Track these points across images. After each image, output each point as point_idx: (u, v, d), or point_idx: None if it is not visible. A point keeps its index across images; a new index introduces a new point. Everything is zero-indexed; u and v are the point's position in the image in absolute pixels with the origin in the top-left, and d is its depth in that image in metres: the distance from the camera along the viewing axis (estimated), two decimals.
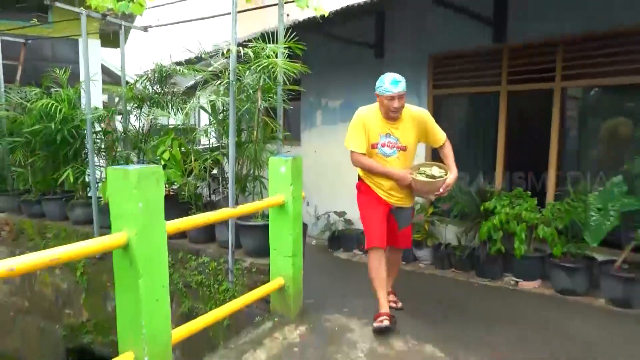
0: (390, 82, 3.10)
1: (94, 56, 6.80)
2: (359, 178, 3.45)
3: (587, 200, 3.98)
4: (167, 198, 2.24)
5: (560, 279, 4.17)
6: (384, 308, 3.16)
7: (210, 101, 3.66)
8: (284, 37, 3.66)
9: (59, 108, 4.47)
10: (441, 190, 3.16)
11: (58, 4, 4.07)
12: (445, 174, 3.21)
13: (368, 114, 3.25)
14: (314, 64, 4.72)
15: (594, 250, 4.15)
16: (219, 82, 3.77)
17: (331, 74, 6.37)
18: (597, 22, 4.18)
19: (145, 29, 4.90)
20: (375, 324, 3.08)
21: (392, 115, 3.17)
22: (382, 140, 3.23)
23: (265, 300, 3.24)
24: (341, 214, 6.11)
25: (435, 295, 4.09)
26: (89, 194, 4.83)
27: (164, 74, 4.39)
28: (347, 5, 4.67)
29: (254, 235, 3.51)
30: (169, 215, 2.10)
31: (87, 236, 4.49)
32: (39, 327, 5.15)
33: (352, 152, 3.27)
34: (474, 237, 4.80)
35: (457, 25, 4.94)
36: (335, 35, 5.72)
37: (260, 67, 3.31)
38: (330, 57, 6.30)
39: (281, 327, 3.08)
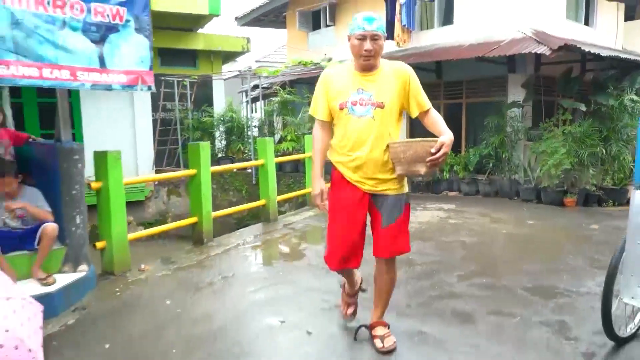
0: (364, 18, 2.49)
1: (221, 88, 12.47)
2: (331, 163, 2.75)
3: (470, 152, 9.50)
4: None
5: (464, 188, 9.66)
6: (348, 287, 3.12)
7: None
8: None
9: (233, 116, 10.08)
10: (433, 151, 2.40)
11: (225, 75, 9.67)
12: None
13: (336, 70, 2.70)
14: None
15: (476, 175, 9.63)
16: None
17: None
18: (477, 73, 9.67)
19: (260, 78, 10.49)
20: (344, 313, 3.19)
21: (364, 62, 2.51)
22: (352, 98, 2.56)
23: None
24: None
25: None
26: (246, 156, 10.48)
27: (286, 101, 10.04)
28: None
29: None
30: None
31: (248, 176, 10.15)
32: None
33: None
34: None
35: (419, 73, 10.46)
36: None
37: None
38: None
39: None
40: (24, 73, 3.22)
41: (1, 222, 3.86)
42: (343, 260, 2.71)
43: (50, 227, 3.79)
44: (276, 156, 9.69)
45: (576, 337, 3.05)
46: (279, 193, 9.24)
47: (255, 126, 11.32)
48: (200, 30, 11.78)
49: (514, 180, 9.00)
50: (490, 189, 9.26)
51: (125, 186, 4.54)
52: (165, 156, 11.45)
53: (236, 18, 15.10)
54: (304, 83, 12.11)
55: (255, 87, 12.45)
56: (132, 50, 3.72)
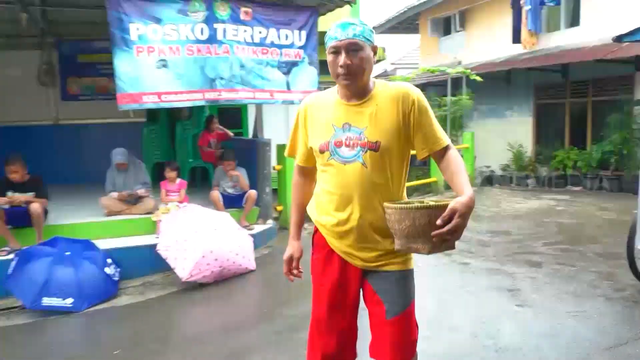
0: (337, 25, 1.79)
1: None
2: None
3: (592, 149, 10.08)
4: None
5: (587, 183, 10.26)
6: None
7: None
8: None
9: None
10: (439, 222, 1.61)
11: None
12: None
13: (320, 99, 1.95)
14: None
15: (600, 171, 10.14)
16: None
17: (485, 97, 12.93)
18: (603, 72, 10.19)
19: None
20: None
21: (342, 83, 1.78)
22: (337, 137, 1.84)
23: None
24: None
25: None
26: None
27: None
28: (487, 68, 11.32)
29: None
30: None
31: None
32: None
33: None
34: (548, 169, 11.08)
35: (544, 74, 11.21)
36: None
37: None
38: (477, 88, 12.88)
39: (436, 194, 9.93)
40: (245, 96, 5.36)
41: (222, 189, 6.11)
42: (330, 356, 1.96)
43: (254, 193, 5.95)
44: None
45: (616, 280, 4.24)
46: (409, 181, 10.79)
47: None
48: None
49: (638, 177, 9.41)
50: (614, 184, 9.77)
51: None
52: None
53: (373, 28, 16.91)
54: (435, 85, 13.49)
55: None
56: (306, 77, 5.69)
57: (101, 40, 7.78)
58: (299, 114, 1.98)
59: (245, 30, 5.28)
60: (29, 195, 4.93)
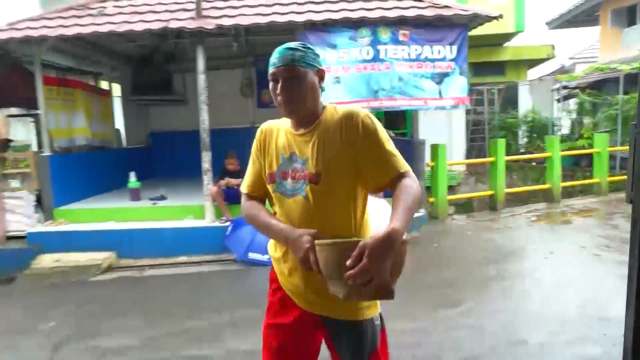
0: (277, 50, 1.70)
1: (526, 92, 14.39)
2: None
3: None
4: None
5: None
6: None
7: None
8: None
9: (535, 117, 12.09)
10: (348, 263, 1.39)
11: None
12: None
13: (274, 125, 1.86)
14: None
15: None
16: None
17: None
18: None
19: (560, 84, 11.93)
20: None
21: (284, 112, 1.71)
22: (283, 167, 1.77)
23: None
24: None
25: None
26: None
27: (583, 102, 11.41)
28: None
29: None
30: None
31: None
32: None
33: None
34: None
35: None
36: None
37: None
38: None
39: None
40: (402, 103, 6.51)
41: None
42: None
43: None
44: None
45: None
46: (570, 180, 10.61)
47: (554, 125, 12.86)
48: (507, 44, 14.00)
49: None
50: None
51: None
52: (475, 151, 14.25)
53: (546, 23, 16.53)
54: (611, 82, 12.87)
55: (565, 87, 13.85)
56: (457, 86, 6.59)
57: None
58: (256, 141, 1.87)
59: (403, 49, 6.41)
60: (240, 180, 6.79)
